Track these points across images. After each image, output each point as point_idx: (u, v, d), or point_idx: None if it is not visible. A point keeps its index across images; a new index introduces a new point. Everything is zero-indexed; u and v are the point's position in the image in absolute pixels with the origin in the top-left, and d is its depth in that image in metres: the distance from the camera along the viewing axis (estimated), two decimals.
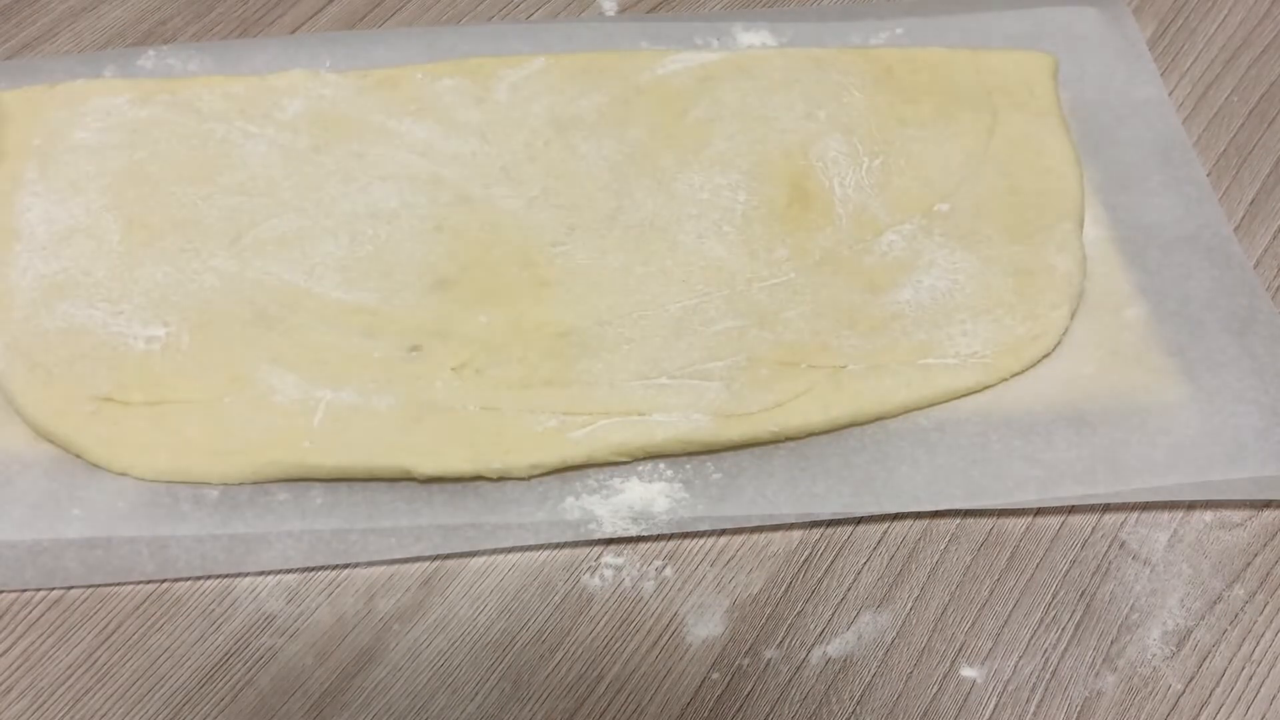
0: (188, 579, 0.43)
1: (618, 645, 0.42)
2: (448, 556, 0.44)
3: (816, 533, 0.45)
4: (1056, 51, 0.58)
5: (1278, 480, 0.44)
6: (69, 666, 0.41)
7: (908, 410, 0.46)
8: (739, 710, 0.41)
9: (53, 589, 0.43)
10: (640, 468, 0.45)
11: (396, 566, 0.44)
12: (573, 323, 0.48)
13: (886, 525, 0.45)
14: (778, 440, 0.46)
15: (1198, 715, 0.41)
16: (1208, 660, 0.42)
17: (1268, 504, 0.45)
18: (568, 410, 0.46)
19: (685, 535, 0.45)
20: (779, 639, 0.42)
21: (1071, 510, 0.45)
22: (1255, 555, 0.44)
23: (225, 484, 0.44)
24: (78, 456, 0.45)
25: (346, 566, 0.44)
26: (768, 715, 0.41)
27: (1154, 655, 0.42)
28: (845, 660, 0.42)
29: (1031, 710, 0.41)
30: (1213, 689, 0.41)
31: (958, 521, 0.45)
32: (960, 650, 0.42)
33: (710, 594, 0.43)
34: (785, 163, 0.53)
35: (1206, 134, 0.57)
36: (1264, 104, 0.58)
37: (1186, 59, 0.60)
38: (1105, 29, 0.59)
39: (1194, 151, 0.54)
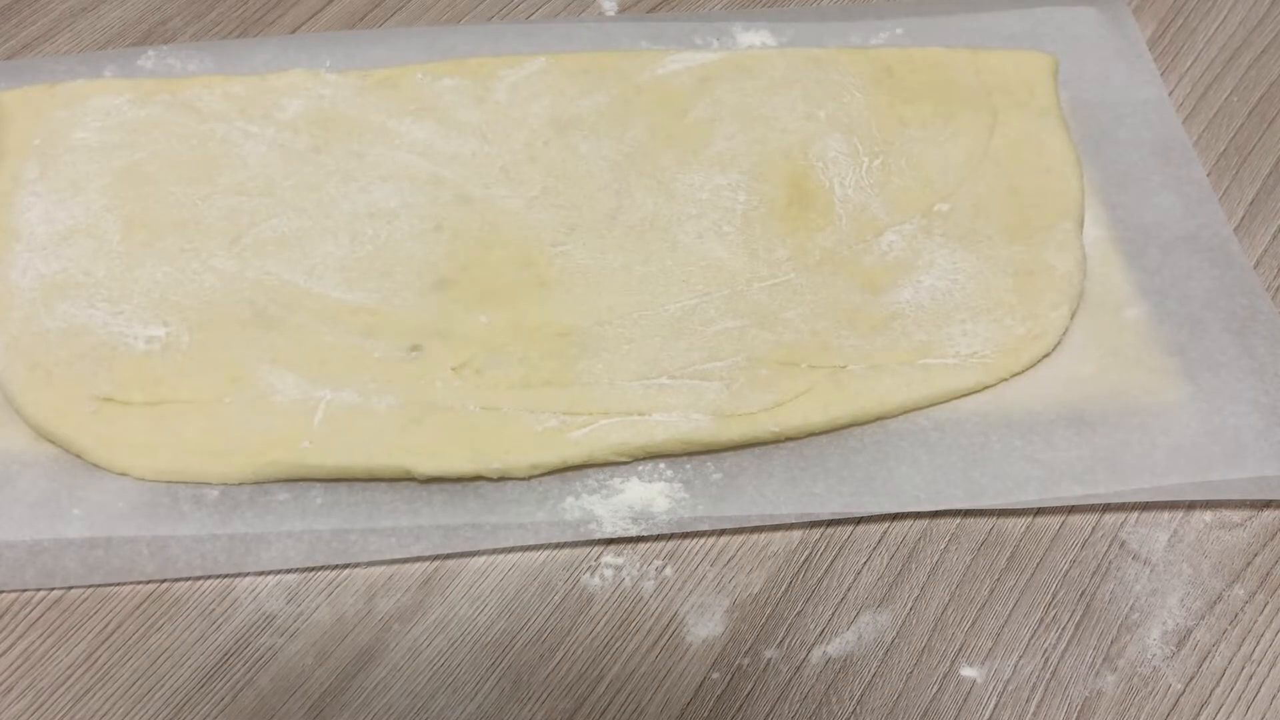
0: (188, 579, 0.43)
1: (618, 645, 0.42)
2: (448, 556, 0.44)
3: (816, 533, 0.45)
4: (1056, 51, 0.58)
5: (1278, 480, 0.44)
6: (69, 666, 0.41)
7: (908, 410, 0.46)
8: (739, 710, 0.41)
9: (53, 589, 0.43)
10: (640, 468, 0.45)
11: (396, 566, 0.44)
12: (573, 323, 0.48)
13: (886, 525, 0.45)
14: (778, 440, 0.46)
15: (1198, 715, 0.41)
16: (1208, 660, 0.42)
17: (1268, 504, 0.45)
18: (568, 410, 0.46)
19: (685, 535, 0.45)
20: (779, 639, 0.42)
21: (1071, 510, 0.45)
22: (1255, 555, 0.44)
23: (225, 484, 0.44)
24: (78, 456, 0.45)
25: (346, 566, 0.44)
26: (768, 715, 0.41)
27: (1154, 655, 0.42)
28: (845, 660, 0.42)
29: (1031, 710, 0.41)
30: (1213, 689, 0.41)
31: (958, 521, 0.45)
32: (960, 650, 0.42)
33: (710, 594, 0.43)
34: (785, 163, 0.53)
35: (1206, 134, 0.57)
36: (1264, 104, 0.58)
37: (1186, 59, 0.60)
38: (1105, 29, 0.59)
39: (1194, 151, 0.54)
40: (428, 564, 0.44)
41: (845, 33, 0.59)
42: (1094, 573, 0.44)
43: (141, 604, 0.43)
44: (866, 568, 0.44)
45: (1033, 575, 0.44)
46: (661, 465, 0.45)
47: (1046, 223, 0.51)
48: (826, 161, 0.53)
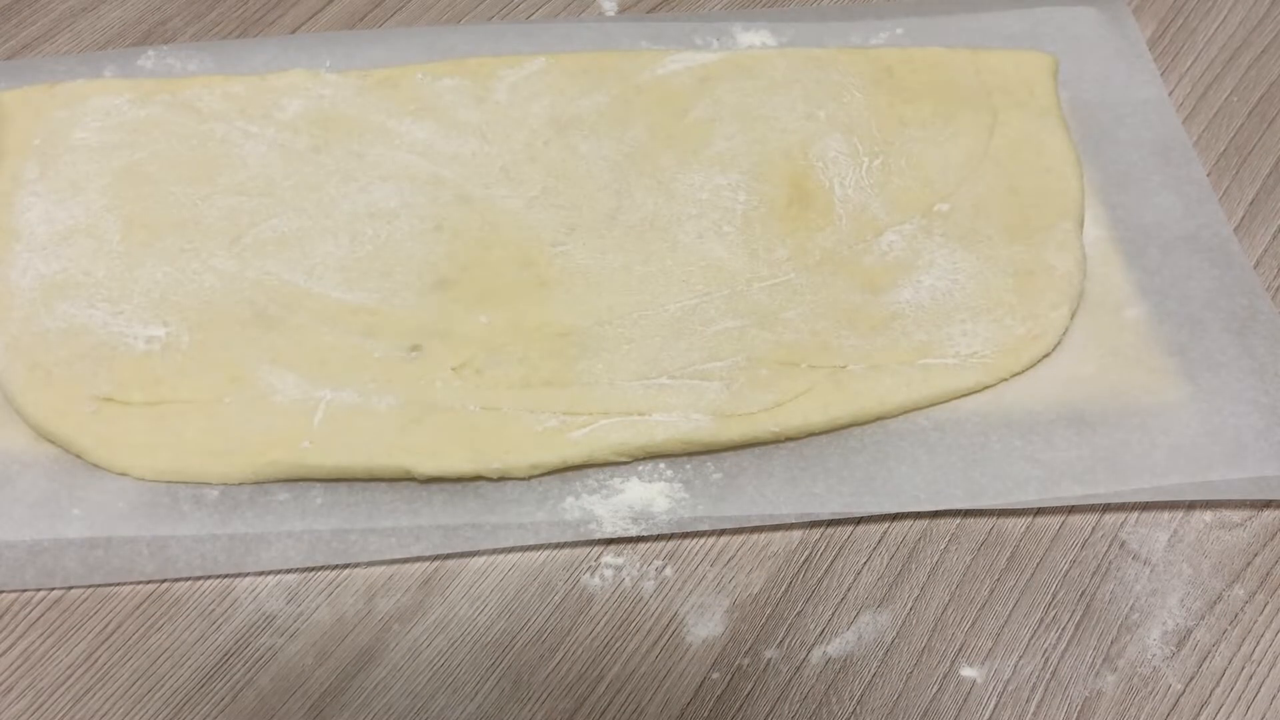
0: (188, 579, 0.43)
1: (618, 645, 0.42)
2: (448, 556, 0.44)
3: (816, 533, 0.45)
4: (1056, 51, 0.58)
5: (1278, 480, 0.44)
6: (69, 666, 0.41)
7: (908, 410, 0.46)
8: (739, 710, 0.41)
9: (53, 589, 0.43)
10: (640, 468, 0.45)
11: (396, 566, 0.44)
12: (573, 323, 0.48)
13: (886, 525, 0.45)
14: (778, 440, 0.46)
15: (1198, 715, 0.41)
16: (1208, 660, 0.42)
17: (1268, 504, 0.45)
18: (568, 410, 0.46)
19: (685, 535, 0.45)
20: (779, 639, 0.42)
21: (1071, 510, 0.45)
22: (1255, 555, 0.44)
23: (225, 484, 0.44)
24: (78, 456, 0.45)
25: (346, 566, 0.44)
26: (768, 715, 0.41)
27: (1154, 655, 0.42)
28: (845, 660, 0.42)
29: (1031, 710, 0.41)
30: (1213, 689, 0.41)
31: (958, 521, 0.45)
32: (960, 650, 0.42)
33: (710, 594, 0.43)
34: (785, 163, 0.53)
35: (1206, 134, 0.57)
36: (1264, 104, 0.58)
37: (1186, 59, 0.60)
38: (1105, 29, 0.59)
39: (1194, 151, 0.54)
40: (428, 564, 0.44)
41: (845, 33, 0.59)
42: (1094, 573, 0.44)
43: (141, 604, 0.43)
44: (866, 568, 0.44)
45: (1033, 575, 0.44)
46: (661, 465, 0.45)
47: (1046, 223, 0.51)
48: (826, 161, 0.53)
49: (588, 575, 0.44)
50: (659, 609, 0.43)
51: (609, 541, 0.44)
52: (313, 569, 0.44)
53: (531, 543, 0.44)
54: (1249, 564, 0.44)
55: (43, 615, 0.43)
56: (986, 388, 0.47)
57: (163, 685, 0.41)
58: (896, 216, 0.51)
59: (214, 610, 0.43)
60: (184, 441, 0.45)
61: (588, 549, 0.44)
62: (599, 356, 0.47)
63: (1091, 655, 0.42)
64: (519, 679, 0.41)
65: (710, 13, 0.62)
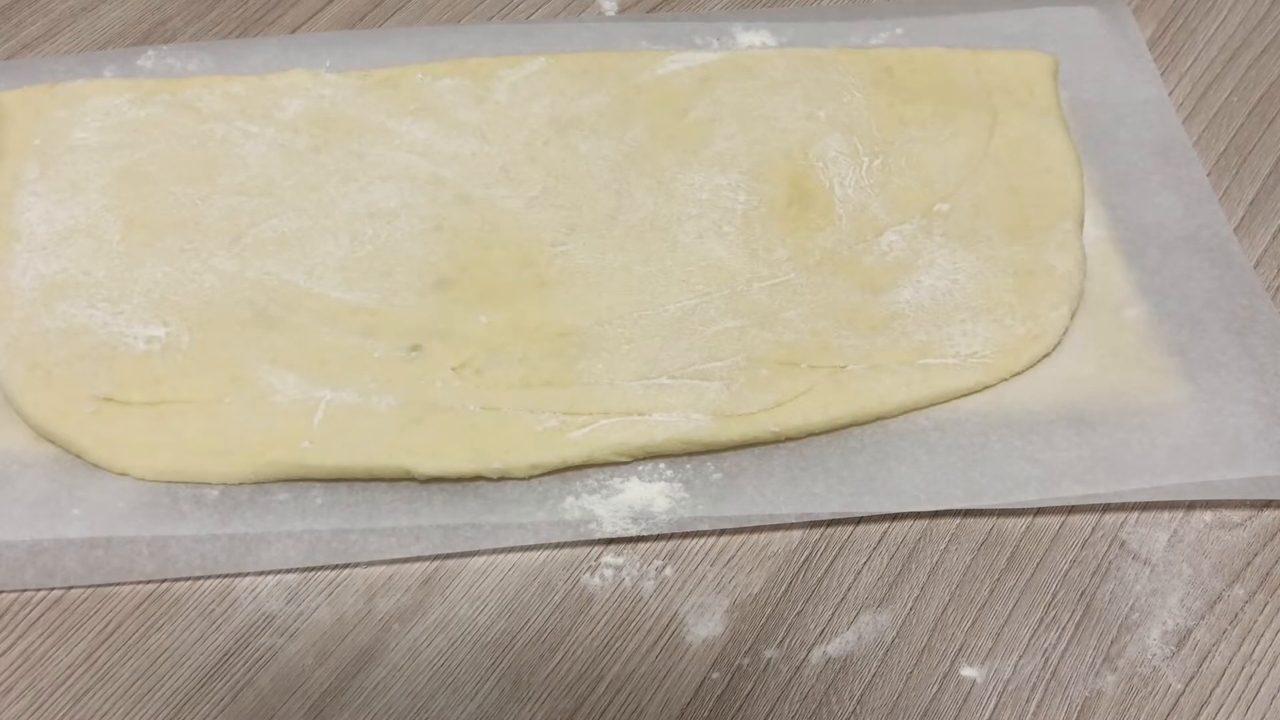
0: (188, 579, 0.43)
1: (618, 645, 0.42)
2: (448, 556, 0.44)
3: (816, 533, 0.45)
4: (1056, 51, 0.58)
5: (1278, 480, 0.44)
6: (69, 666, 0.41)
7: (908, 410, 0.46)
8: (739, 710, 0.41)
9: (53, 589, 0.43)
10: (640, 468, 0.45)
11: (396, 566, 0.44)
12: (573, 323, 0.48)
13: (886, 525, 0.45)
14: (778, 440, 0.46)
15: (1198, 715, 0.41)
16: (1208, 660, 0.42)
17: (1268, 504, 0.45)
18: (568, 410, 0.46)
19: (685, 535, 0.45)
20: (779, 639, 0.42)
21: (1071, 510, 0.45)
22: (1255, 555, 0.44)
23: (225, 484, 0.44)
24: (78, 456, 0.45)
25: (346, 566, 0.44)
26: (768, 715, 0.41)
27: (1154, 655, 0.42)
28: (845, 660, 0.42)
29: (1031, 710, 0.41)
30: (1213, 689, 0.41)
31: (958, 521, 0.45)
32: (960, 650, 0.42)
33: (710, 594, 0.43)
34: (785, 163, 0.53)
35: (1206, 134, 0.57)
36: (1264, 104, 0.58)
37: (1186, 59, 0.60)
38: (1105, 29, 0.59)
39: (1194, 151, 0.54)
40: (428, 564, 0.44)
41: (845, 33, 0.59)
42: (1094, 573, 0.44)
43: (141, 604, 0.43)
44: (866, 568, 0.44)
45: (1033, 575, 0.44)
46: (661, 465, 0.45)
47: (1046, 223, 0.51)
48: (826, 161, 0.53)
49: (588, 575, 0.44)
50: (659, 609, 0.43)
51: (609, 541, 0.44)
52: (313, 569, 0.44)
53: (531, 543, 0.44)
54: (1249, 564, 0.44)
55: (43, 615, 0.43)
56: (986, 388, 0.47)
57: (163, 685, 0.41)
58: (896, 216, 0.51)
59: (214, 610, 0.43)
60: (184, 441, 0.45)
61: (588, 549, 0.44)
62: (599, 356, 0.47)
63: (1091, 655, 0.42)
64: (519, 679, 0.41)
65: (710, 13, 0.62)
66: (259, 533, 0.43)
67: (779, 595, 0.43)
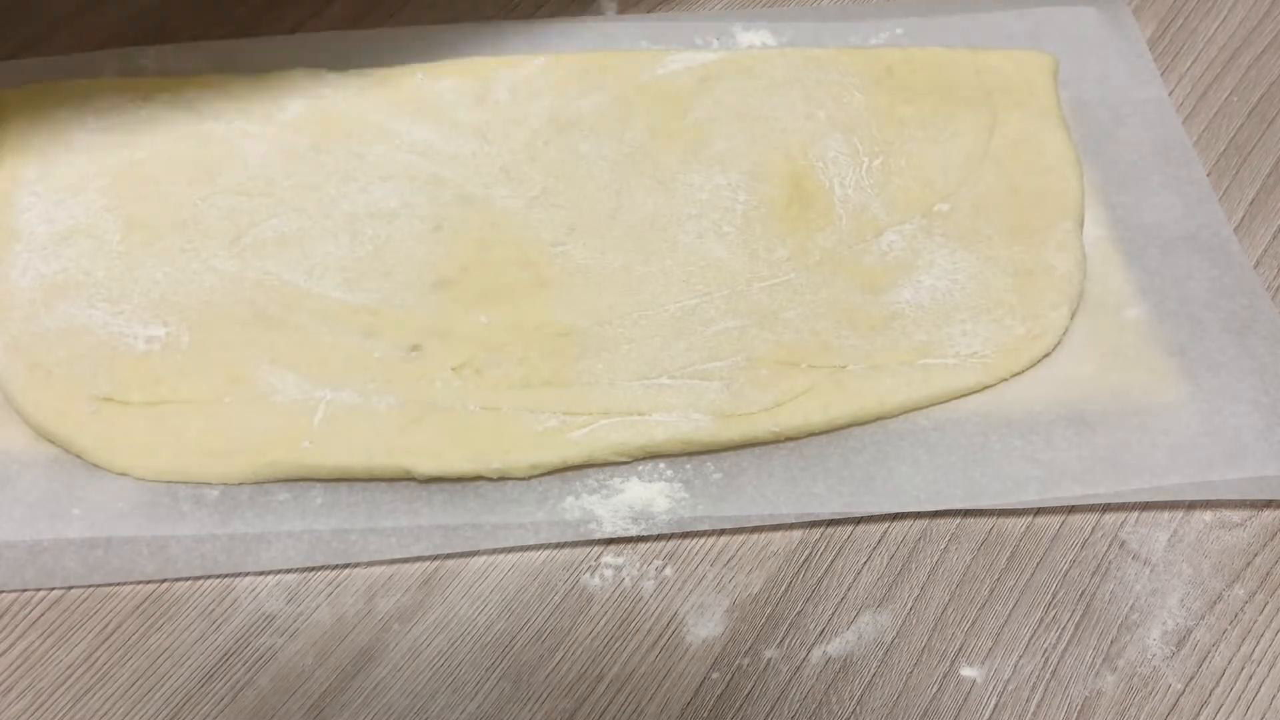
0: (188, 579, 0.43)
1: (618, 645, 0.42)
2: (448, 556, 0.44)
3: (816, 533, 0.45)
4: (1056, 51, 0.58)
5: (1278, 480, 0.44)
6: (69, 666, 0.41)
7: (908, 410, 0.46)
8: (739, 710, 0.41)
9: (53, 589, 0.43)
10: (640, 467, 0.45)
11: (396, 566, 0.44)
12: (573, 323, 0.48)
13: (886, 525, 0.45)
14: (778, 440, 0.46)
15: (1198, 715, 0.41)
16: (1208, 660, 0.42)
17: (1268, 504, 0.45)
18: (568, 410, 0.46)
19: (685, 535, 0.45)
20: (779, 639, 0.42)
21: (1071, 510, 0.45)
22: (1255, 555, 0.44)
23: (225, 484, 0.44)
24: (78, 456, 0.45)
25: (346, 566, 0.44)
26: (768, 715, 0.41)
27: (1154, 655, 0.42)
28: (845, 660, 0.42)
29: (1031, 710, 0.41)
30: (1213, 689, 0.41)
31: (958, 521, 0.45)
32: (960, 650, 0.42)
33: (710, 594, 0.43)
34: (785, 163, 0.53)
35: (1206, 134, 0.57)
36: (1264, 104, 0.58)
37: (1186, 59, 0.60)
38: (1105, 29, 0.59)
39: (1194, 151, 0.54)
40: (428, 564, 0.44)
41: (845, 33, 0.59)
42: (1094, 573, 0.44)
43: (141, 604, 0.43)
44: (866, 568, 0.44)
45: (1033, 575, 0.44)
46: (661, 465, 0.45)
47: (1046, 223, 0.51)
48: (826, 161, 0.53)
49: (588, 575, 0.44)
50: (659, 609, 0.43)
51: (609, 541, 0.44)
52: (313, 569, 0.44)
53: (531, 543, 0.44)
54: (1249, 564, 0.44)
55: (43, 615, 0.43)
56: (986, 388, 0.47)
57: (163, 685, 0.41)
58: (896, 216, 0.51)
59: (214, 610, 0.43)
60: (184, 441, 0.45)
61: (588, 549, 0.44)
62: (599, 356, 0.47)
63: (1091, 655, 0.42)
64: (519, 679, 0.41)
65: (710, 13, 0.62)
66: (259, 533, 0.43)
67: (779, 595, 0.43)
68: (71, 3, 0.61)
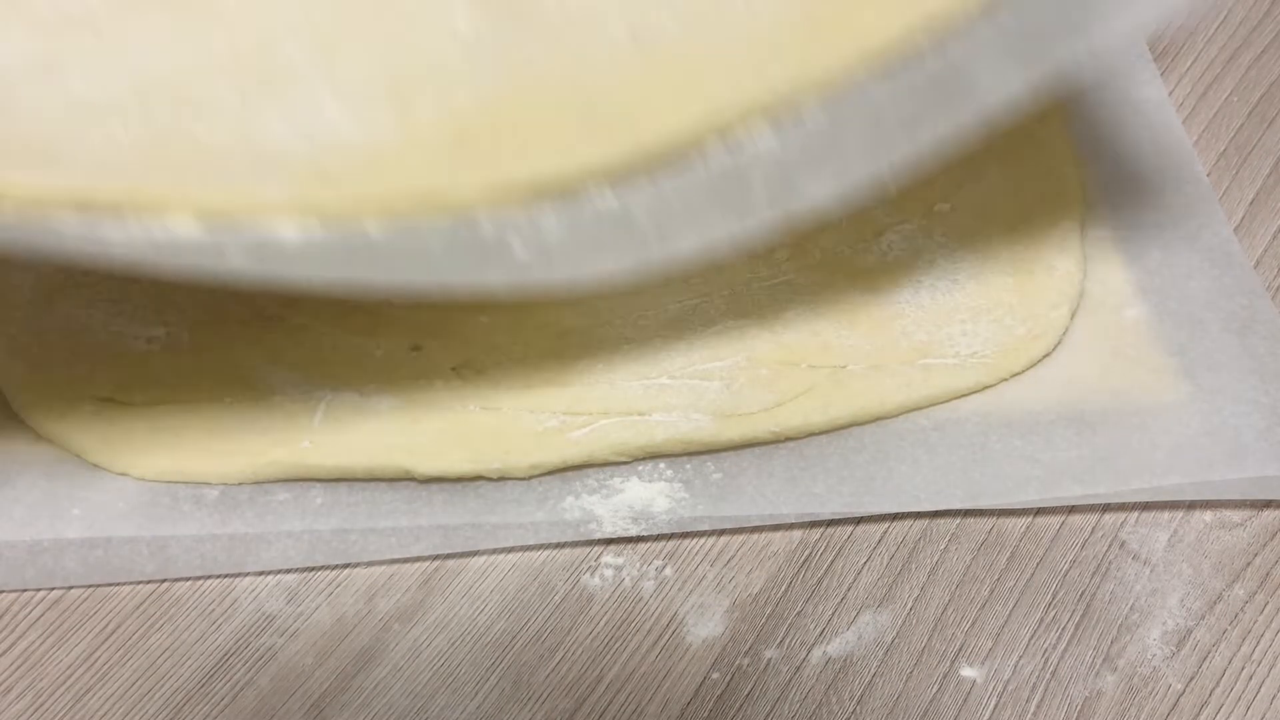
0: (188, 579, 0.43)
1: (618, 645, 0.42)
2: (448, 556, 0.44)
3: (816, 533, 0.45)
4: None
5: (1278, 480, 0.44)
6: (69, 666, 0.41)
7: (907, 410, 0.46)
8: (739, 710, 0.41)
9: (53, 589, 0.43)
10: (640, 467, 0.45)
11: (396, 566, 0.44)
12: (573, 322, 0.48)
13: (886, 525, 0.45)
14: (778, 440, 0.46)
15: (1198, 715, 0.41)
16: (1208, 660, 0.42)
17: (1268, 504, 0.45)
18: (568, 410, 0.46)
19: (685, 535, 0.45)
20: (779, 639, 0.42)
21: (1071, 510, 0.45)
22: (1255, 555, 0.44)
23: (225, 484, 0.44)
24: (78, 456, 0.45)
25: (346, 566, 0.44)
26: (768, 715, 0.41)
27: (1154, 655, 0.42)
28: (845, 660, 0.42)
29: (1031, 710, 0.41)
30: (1213, 689, 0.41)
31: (958, 521, 0.45)
32: (960, 650, 0.42)
33: (710, 594, 0.43)
34: None
35: (1206, 134, 0.57)
36: (1264, 104, 0.58)
37: (1186, 59, 0.60)
38: None
39: (1194, 151, 0.54)
40: (428, 564, 0.44)
41: None
42: (1094, 573, 0.44)
43: (141, 604, 0.43)
44: (866, 568, 0.44)
45: (1033, 575, 0.44)
46: (661, 465, 0.45)
47: (1048, 222, 0.51)
48: None
49: (588, 575, 0.44)
50: (659, 609, 0.43)
51: (609, 541, 0.44)
52: (313, 569, 0.44)
53: (531, 543, 0.44)
54: (1249, 564, 0.44)
55: (43, 615, 0.43)
56: (986, 388, 0.47)
57: (163, 685, 0.41)
58: (896, 216, 0.51)
59: (214, 610, 0.43)
60: (184, 441, 0.45)
61: (588, 549, 0.44)
62: (599, 356, 0.47)
63: (1091, 655, 0.42)
64: (519, 679, 0.41)
65: None
66: (259, 533, 0.43)
67: (779, 595, 0.43)
68: None
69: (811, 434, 0.46)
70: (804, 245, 0.50)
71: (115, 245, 0.35)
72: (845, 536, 0.45)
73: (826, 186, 0.39)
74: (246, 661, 0.42)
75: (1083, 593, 0.43)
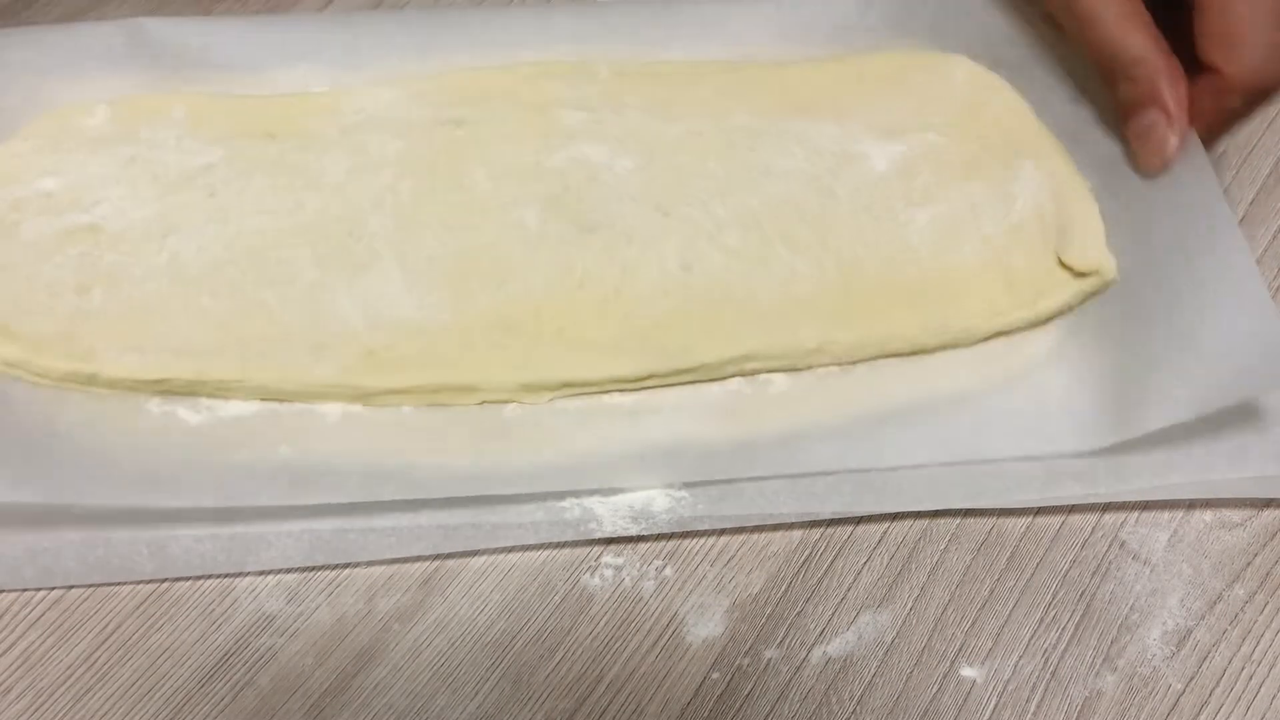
0: (188, 579, 0.43)
1: (618, 645, 0.42)
2: (448, 556, 0.44)
3: (816, 532, 0.45)
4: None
5: (1278, 480, 0.44)
6: (69, 666, 0.41)
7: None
8: (739, 710, 0.41)
9: (53, 589, 0.43)
10: (640, 467, 0.45)
11: (396, 566, 0.44)
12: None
13: (886, 525, 0.45)
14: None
15: (1198, 715, 0.41)
16: (1208, 660, 0.42)
17: (1268, 504, 0.45)
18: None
19: (685, 535, 0.45)
20: (779, 639, 0.42)
21: (1071, 510, 0.45)
22: (1255, 555, 0.44)
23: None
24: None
25: (346, 566, 0.44)
26: (768, 715, 0.41)
27: (1154, 655, 0.42)
28: (845, 660, 0.42)
29: (1031, 710, 0.41)
30: (1213, 689, 0.41)
31: (958, 521, 0.45)
32: (960, 650, 0.42)
33: (710, 594, 0.43)
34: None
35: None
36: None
37: None
38: None
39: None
40: (428, 564, 0.44)
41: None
42: (1094, 573, 0.44)
43: (141, 604, 0.43)
44: (866, 568, 0.44)
45: (1033, 575, 0.44)
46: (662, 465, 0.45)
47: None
48: None
49: (588, 575, 0.44)
50: (659, 609, 0.43)
51: (609, 541, 0.44)
52: (313, 569, 0.44)
53: (531, 542, 0.44)
54: (1249, 564, 0.44)
55: (43, 615, 0.43)
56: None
57: (163, 685, 0.41)
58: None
59: (214, 610, 0.43)
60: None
61: (588, 549, 0.44)
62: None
63: (1091, 655, 0.42)
64: (519, 679, 0.41)
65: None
66: (259, 533, 0.43)
67: (779, 595, 0.43)
68: (73, 2, 0.61)
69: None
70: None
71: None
72: (845, 536, 0.45)
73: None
74: (246, 661, 0.42)
75: (1083, 593, 0.43)
